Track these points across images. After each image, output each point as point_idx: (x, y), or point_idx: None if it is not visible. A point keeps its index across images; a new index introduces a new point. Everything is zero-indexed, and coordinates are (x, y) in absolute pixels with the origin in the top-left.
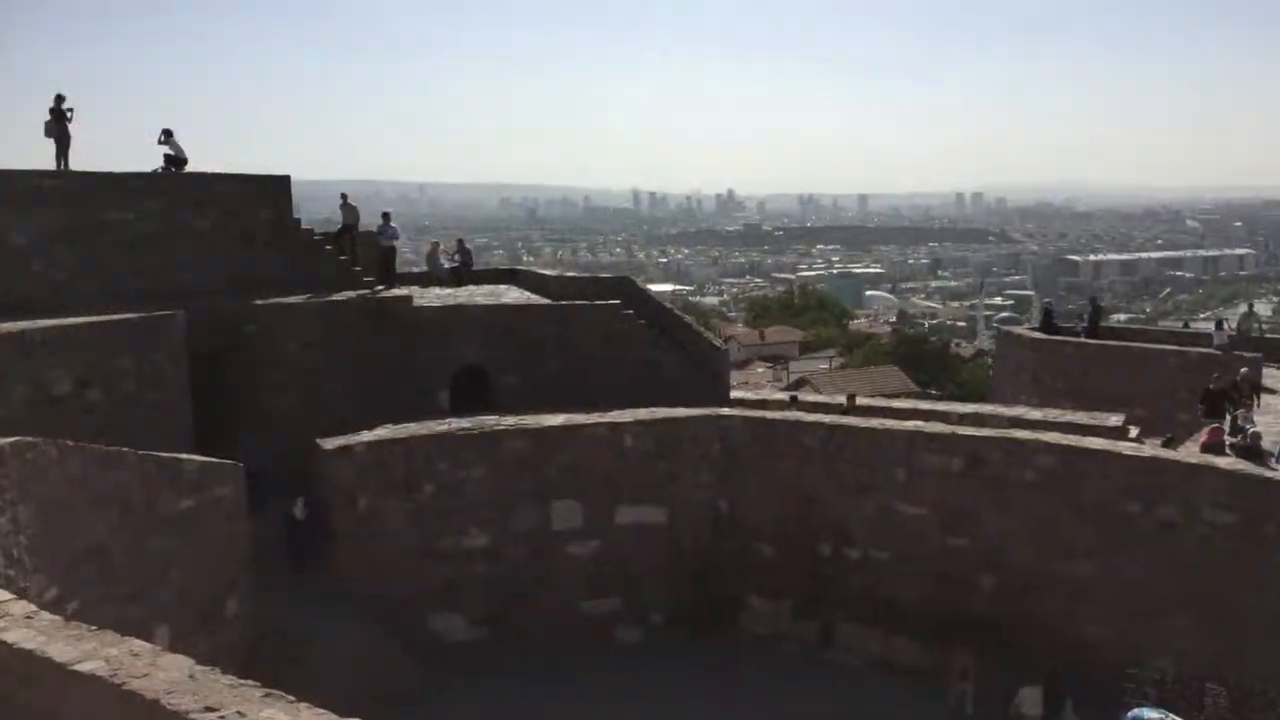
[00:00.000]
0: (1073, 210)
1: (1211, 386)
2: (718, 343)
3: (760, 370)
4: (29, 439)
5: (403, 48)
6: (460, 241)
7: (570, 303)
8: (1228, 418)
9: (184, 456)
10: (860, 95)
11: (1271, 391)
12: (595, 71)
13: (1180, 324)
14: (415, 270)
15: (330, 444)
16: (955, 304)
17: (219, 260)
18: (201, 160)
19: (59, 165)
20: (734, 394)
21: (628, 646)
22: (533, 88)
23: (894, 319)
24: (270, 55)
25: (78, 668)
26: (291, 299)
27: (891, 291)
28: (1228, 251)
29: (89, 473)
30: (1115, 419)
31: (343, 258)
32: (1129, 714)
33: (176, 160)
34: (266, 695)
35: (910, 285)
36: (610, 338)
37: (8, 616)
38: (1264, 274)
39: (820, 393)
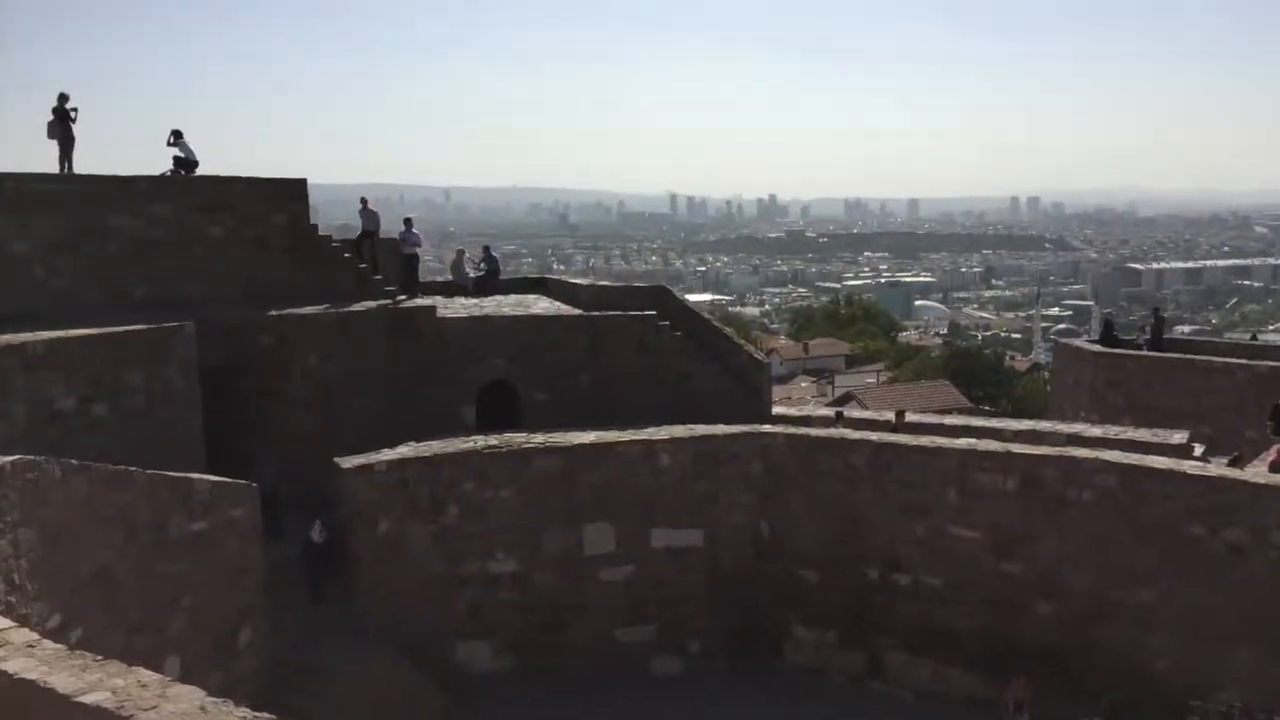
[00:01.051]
0: (1134, 216)
1: None
2: (759, 356)
3: (804, 385)
4: (31, 458)
5: (426, 45)
6: (486, 249)
7: (603, 314)
8: None
9: (195, 476)
10: (910, 94)
11: None
12: (630, 70)
13: (1248, 336)
14: (439, 279)
15: (349, 463)
16: (1010, 315)
17: (231, 268)
18: (213, 162)
19: (62, 168)
20: (776, 410)
21: (665, 677)
22: (565, 87)
23: (945, 331)
24: (285, 53)
25: (82, 699)
26: (308, 309)
27: (943, 301)
28: None
29: (94, 493)
30: (1179, 436)
31: (362, 266)
32: None
33: (187, 163)
34: None
35: (963, 295)
36: (645, 351)
37: (8, 645)
38: None
39: (867, 409)
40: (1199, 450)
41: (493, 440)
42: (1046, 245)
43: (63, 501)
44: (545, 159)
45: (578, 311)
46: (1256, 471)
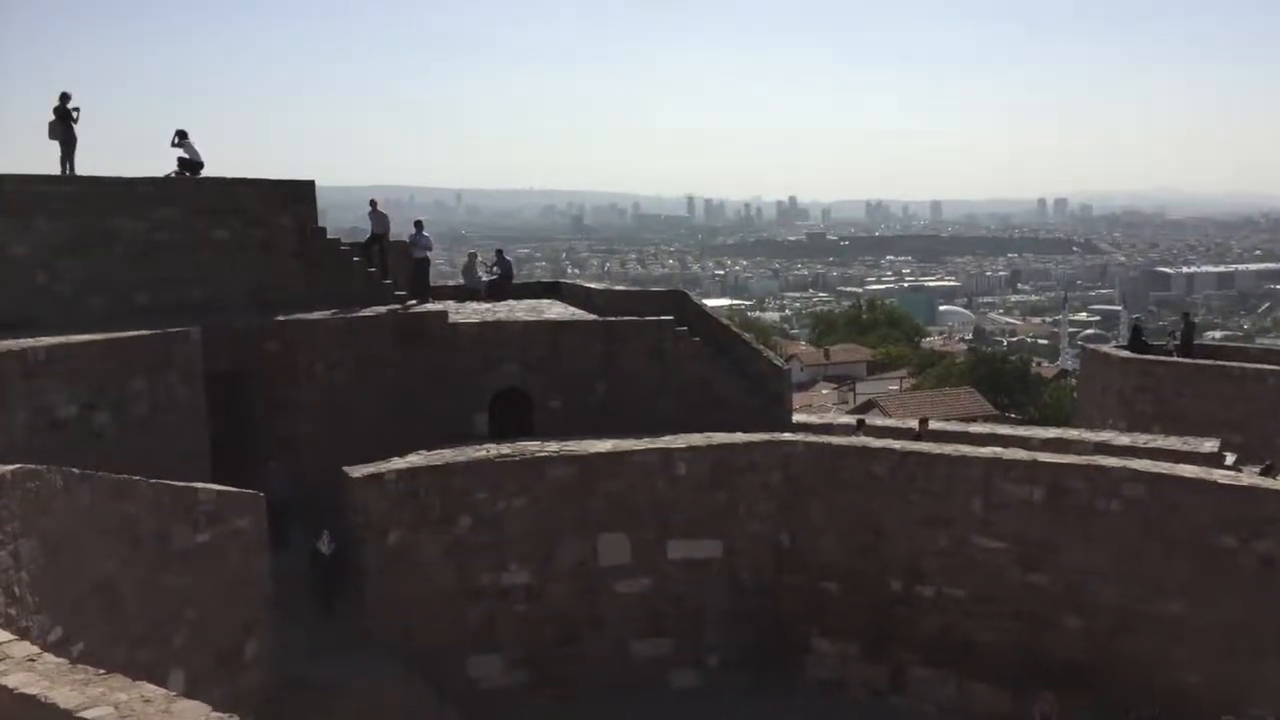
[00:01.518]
0: (1164, 218)
1: None
2: (779, 362)
3: (825, 392)
4: (31, 467)
5: (437, 44)
6: (499, 252)
7: (619, 319)
8: None
9: (199, 486)
10: (933, 93)
11: None
12: (645, 69)
13: None
14: (451, 283)
15: (358, 472)
16: (1036, 320)
17: (238, 272)
18: (219, 164)
19: (64, 169)
20: (796, 418)
21: (682, 692)
22: (580, 86)
23: (970, 336)
24: (291, 52)
25: (84, 714)
26: (316, 315)
27: (967, 306)
28: None
29: (97, 503)
30: (1210, 445)
31: (372, 270)
32: None
33: (192, 164)
34: None
35: (987, 299)
36: (662, 357)
37: (9, 659)
38: None
39: (890, 416)
40: (1230, 459)
41: (505, 449)
42: (1074, 248)
43: (64, 511)
44: (559, 160)
45: (593, 316)
46: None
